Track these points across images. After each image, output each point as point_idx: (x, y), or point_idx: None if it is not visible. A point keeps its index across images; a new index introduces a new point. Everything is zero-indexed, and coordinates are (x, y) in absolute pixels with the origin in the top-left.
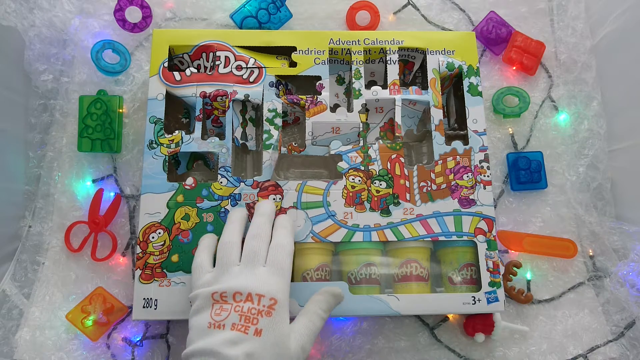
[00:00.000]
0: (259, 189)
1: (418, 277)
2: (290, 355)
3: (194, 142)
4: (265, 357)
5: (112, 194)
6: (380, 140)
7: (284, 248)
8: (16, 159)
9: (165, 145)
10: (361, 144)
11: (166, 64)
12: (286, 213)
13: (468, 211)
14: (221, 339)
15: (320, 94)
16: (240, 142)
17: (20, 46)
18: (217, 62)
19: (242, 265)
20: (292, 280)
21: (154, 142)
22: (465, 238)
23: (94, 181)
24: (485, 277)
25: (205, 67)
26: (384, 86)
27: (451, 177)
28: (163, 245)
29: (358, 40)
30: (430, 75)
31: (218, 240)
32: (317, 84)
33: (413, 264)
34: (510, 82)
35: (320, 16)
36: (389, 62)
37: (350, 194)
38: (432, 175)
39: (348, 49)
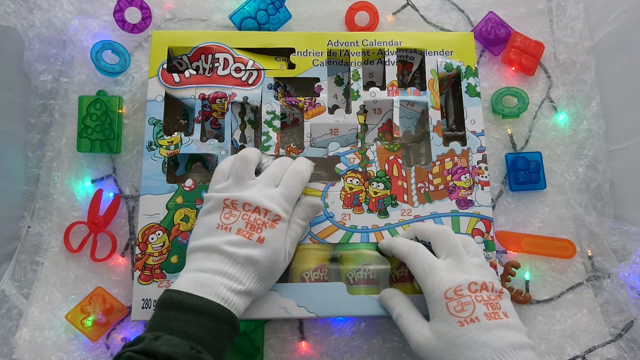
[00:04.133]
0: None
1: None
2: (280, 260)
3: (193, 143)
4: (263, 262)
5: (112, 194)
6: (378, 142)
7: (299, 175)
8: (15, 160)
9: (164, 146)
10: (359, 145)
11: (165, 66)
12: None
13: (466, 212)
14: (226, 239)
15: (318, 95)
16: (239, 144)
17: (20, 46)
18: (216, 64)
19: (257, 181)
20: (292, 281)
21: (153, 143)
22: None
23: (93, 181)
24: None
25: (204, 69)
26: (383, 87)
27: (449, 178)
28: (162, 246)
29: (356, 42)
30: (428, 76)
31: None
32: (316, 85)
33: None
34: (509, 83)
35: (320, 17)
36: (387, 63)
37: (349, 196)
38: (430, 176)
39: (346, 50)
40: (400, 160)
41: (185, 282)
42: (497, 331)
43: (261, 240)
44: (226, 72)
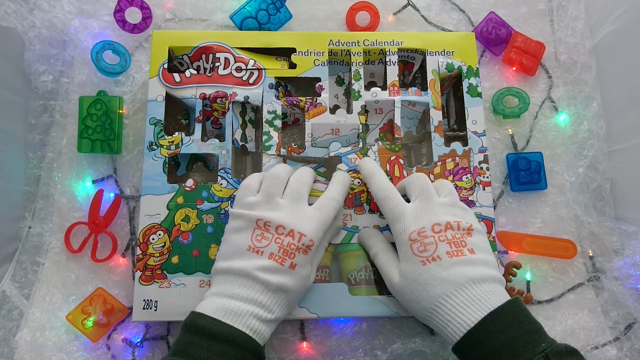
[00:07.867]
0: None
1: None
2: (308, 285)
3: (193, 143)
4: (294, 289)
5: (112, 194)
6: (379, 142)
7: (334, 202)
8: (16, 160)
9: (165, 146)
10: (360, 145)
11: (166, 66)
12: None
13: None
14: (258, 264)
15: (319, 95)
16: (240, 143)
17: (20, 47)
18: (217, 64)
19: (286, 200)
20: None
21: (153, 143)
22: None
23: (94, 182)
24: None
25: (205, 69)
26: (384, 87)
27: (450, 178)
28: (163, 246)
29: (357, 42)
30: (429, 76)
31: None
32: (317, 85)
33: None
34: (510, 83)
35: (320, 17)
36: (388, 63)
37: (350, 196)
38: (431, 177)
39: (347, 50)
40: (401, 161)
41: (212, 306)
42: (458, 267)
43: (293, 267)
44: (227, 71)
